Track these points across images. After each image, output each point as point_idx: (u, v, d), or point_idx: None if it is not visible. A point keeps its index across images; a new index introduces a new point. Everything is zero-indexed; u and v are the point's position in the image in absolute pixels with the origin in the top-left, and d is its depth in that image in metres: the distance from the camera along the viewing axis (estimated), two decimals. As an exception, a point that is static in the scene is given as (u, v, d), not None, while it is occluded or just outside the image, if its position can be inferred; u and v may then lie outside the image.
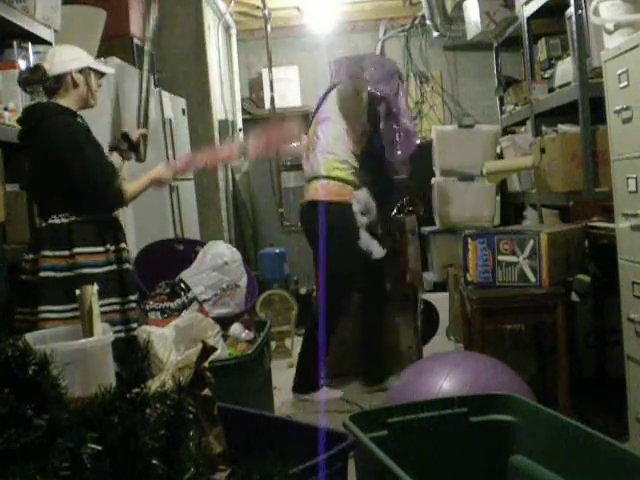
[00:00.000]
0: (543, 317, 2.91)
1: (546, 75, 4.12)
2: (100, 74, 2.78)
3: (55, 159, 2.58)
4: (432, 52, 6.64)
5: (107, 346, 1.80)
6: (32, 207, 2.90)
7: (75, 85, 2.66)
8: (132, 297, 2.71)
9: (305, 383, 3.80)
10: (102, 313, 2.49)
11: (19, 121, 2.69)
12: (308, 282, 5.24)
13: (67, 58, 2.64)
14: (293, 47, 6.69)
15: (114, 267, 2.66)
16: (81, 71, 2.67)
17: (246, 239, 6.15)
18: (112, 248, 2.67)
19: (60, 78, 2.63)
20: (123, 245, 2.73)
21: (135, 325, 2.67)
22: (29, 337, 1.79)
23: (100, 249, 2.63)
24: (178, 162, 3.29)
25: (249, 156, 3.61)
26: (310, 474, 1.28)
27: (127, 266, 2.73)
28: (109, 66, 2.97)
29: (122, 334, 2.57)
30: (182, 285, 3.23)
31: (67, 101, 2.66)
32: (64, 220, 2.59)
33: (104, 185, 2.63)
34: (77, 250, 2.57)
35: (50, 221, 2.59)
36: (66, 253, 2.56)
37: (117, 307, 2.63)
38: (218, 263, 3.32)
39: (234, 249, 3.53)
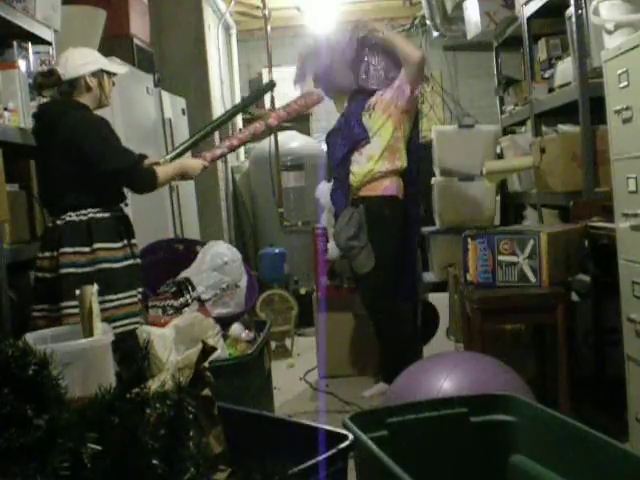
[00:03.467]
0: (543, 317, 2.90)
1: (546, 75, 4.12)
2: (113, 73, 2.82)
3: (79, 151, 2.61)
4: (432, 52, 6.63)
5: (107, 346, 1.81)
6: (32, 207, 2.90)
7: (88, 89, 2.72)
8: (140, 290, 2.78)
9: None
10: (124, 305, 2.61)
11: (35, 117, 2.73)
12: (308, 282, 5.23)
13: (80, 62, 2.69)
14: (293, 47, 6.69)
15: (131, 262, 2.72)
16: (94, 74, 2.71)
17: (246, 239, 6.15)
18: (127, 243, 2.73)
19: (74, 82, 2.69)
20: (134, 241, 2.80)
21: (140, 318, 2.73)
22: (29, 337, 1.79)
23: (118, 244, 2.69)
24: (207, 155, 3.14)
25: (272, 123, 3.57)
26: (310, 474, 1.28)
27: (138, 261, 2.81)
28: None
29: (138, 325, 2.62)
30: (188, 284, 3.23)
31: (83, 102, 2.72)
32: (82, 217, 2.63)
33: (132, 166, 2.70)
34: (97, 245, 2.62)
35: (67, 218, 2.62)
36: (86, 249, 2.61)
37: (136, 299, 2.70)
38: (218, 263, 3.32)
39: (234, 249, 3.53)
